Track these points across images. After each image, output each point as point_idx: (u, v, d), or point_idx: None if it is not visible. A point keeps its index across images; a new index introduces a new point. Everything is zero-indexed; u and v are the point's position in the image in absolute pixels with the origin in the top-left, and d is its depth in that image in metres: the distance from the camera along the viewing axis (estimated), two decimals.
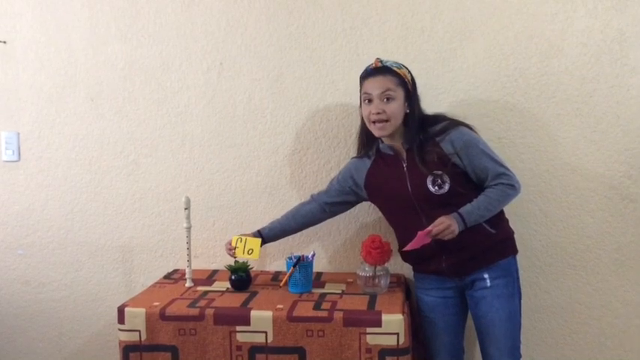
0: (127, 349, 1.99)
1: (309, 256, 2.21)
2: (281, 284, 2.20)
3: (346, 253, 2.47)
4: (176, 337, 1.97)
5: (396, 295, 2.11)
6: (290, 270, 2.16)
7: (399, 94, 2.00)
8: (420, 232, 1.93)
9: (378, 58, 2.05)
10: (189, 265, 2.27)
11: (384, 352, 1.91)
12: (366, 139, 2.15)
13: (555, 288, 2.40)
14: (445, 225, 1.92)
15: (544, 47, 2.29)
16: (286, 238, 2.37)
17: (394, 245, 2.16)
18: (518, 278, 2.11)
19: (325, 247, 2.48)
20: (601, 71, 2.28)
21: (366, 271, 2.14)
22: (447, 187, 1.99)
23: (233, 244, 2.22)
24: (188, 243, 2.26)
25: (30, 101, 2.55)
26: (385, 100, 1.99)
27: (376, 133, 2.04)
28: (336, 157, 2.44)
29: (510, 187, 1.99)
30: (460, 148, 1.98)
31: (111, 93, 2.51)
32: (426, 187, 2.00)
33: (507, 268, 2.07)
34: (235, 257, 2.22)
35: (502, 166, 2.00)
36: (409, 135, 2.03)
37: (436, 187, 1.99)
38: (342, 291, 2.18)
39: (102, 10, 2.47)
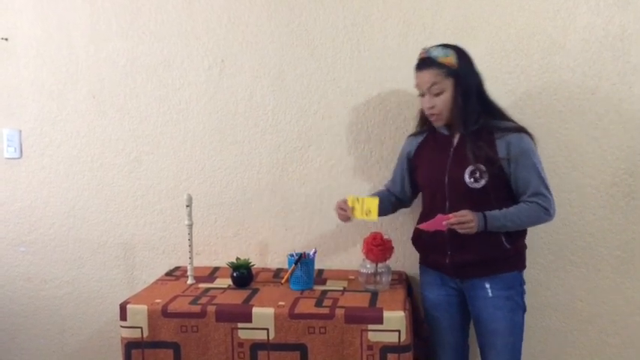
0: (129, 346, 2.00)
1: (311, 254, 2.21)
2: (282, 281, 2.20)
3: (347, 250, 2.47)
4: (178, 334, 1.98)
5: (397, 292, 2.11)
6: (292, 267, 2.16)
7: (447, 85, 1.95)
8: (439, 215, 1.91)
9: (423, 48, 2.00)
10: (191, 263, 2.28)
11: (385, 349, 1.91)
12: (426, 118, 2.11)
13: (556, 285, 2.40)
14: (467, 218, 1.89)
15: (546, 44, 2.29)
16: (287, 235, 2.42)
17: (396, 241, 2.16)
18: (522, 292, 2.07)
19: (327, 244, 2.48)
20: (603, 68, 2.27)
21: (367, 268, 2.14)
22: (482, 182, 1.94)
23: (350, 204, 2.08)
24: (190, 240, 2.26)
25: (31, 98, 2.55)
26: (434, 94, 1.96)
27: (434, 124, 2.06)
28: (338, 154, 2.44)
29: (545, 210, 1.95)
30: (514, 154, 1.93)
31: (112, 90, 2.51)
32: (462, 175, 1.96)
33: (510, 282, 2.04)
34: (350, 218, 2.10)
35: (545, 187, 1.95)
36: (464, 120, 1.98)
37: (472, 180, 1.95)
38: (344, 288, 2.18)
39: (103, 7, 2.47)
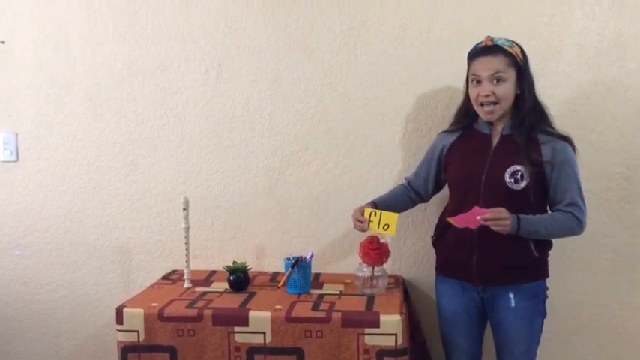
0: (126, 350, 2.00)
1: (308, 257, 2.21)
2: (279, 285, 2.20)
3: (344, 253, 2.47)
4: (174, 338, 1.98)
5: (394, 296, 2.12)
6: (288, 271, 2.16)
7: (510, 75, 1.91)
8: (476, 209, 1.85)
9: (488, 37, 1.94)
10: (188, 266, 2.27)
11: (382, 352, 1.91)
12: (464, 117, 2.08)
13: (552, 289, 2.38)
14: (503, 215, 1.84)
15: (541, 49, 2.30)
16: (284, 238, 2.43)
17: (392, 245, 2.17)
18: (545, 299, 2.06)
19: (323, 247, 2.48)
20: (598, 73, 2.29)
21: (364, 271, 2.14)
22: (522, 184, 1.90)
23: (366, 217, 2.02)
24: (186, 244, 2.26)
25: (28, 102, 2.55)
26: (495, 81, 1.91)
27: (484, 116, 1.97)
28: (335, 157, 2.44)
29: (578, 221, 1.93)
30: (559, 160, 1.90)
31: (109, 94, 2.51)
32: (502, 175, 1.91)
33: (534, 291, 2.02)
34: (366, 231, 2.04)
35: (582, 199, 1.93)
36: (517, 119, 1.95)
37: (512, 180, 1.91)
38: (341, 292, 2.18)
39: (100, 11, 2.47)
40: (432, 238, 2.20)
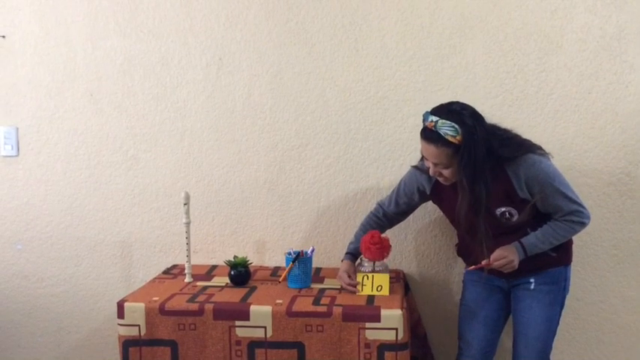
0: (127, 344, 2.00)
1: (309, 252, 2.21)
2: (280, 280, 2.20)
3: (345, 248, 2.46)
4: (175, 332, 1.98)
5: (394, 291, 2.11)
6: (289, 265, 2.16)
7: (454, 161, 1.86)
8: (480, 265, 1.97)
9: (432, 120, 1.85)
10: (189, 261, 2.28)
11: (383, 347, 1.91)
12: None
13: None
14: (507, 260, 1.92)
15: (543, 44, 2.30)
16: (285, 233, 2.44)
17: (393, 241, 2.17)
18: (565, 287, 2.08)
19: (324, 242, 2.48)
20: (600, 68, 2.28)
21: (365, 266, 2.14)
22: (515, 218, 1.95)
23: (359, 280, 2.10)
24: (187, 238, 2.26)
25: (29, 96, 2.54)
26: (441, 168, 1.91)
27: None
28: (336, 152, 2.44)
29: (580, 224, 1.96)
30: (534, 187, 1.90)
31: (110, 88, 2.51)
32: (494, 215, 1.95)
33: (556, 277, 2.05)
34: (358, 293, 2.09)
35: (575, 202, 1.94)
36: (473, 181, 1.88)
37: (503, 219, 1.96)
38: (341, 286, 2.18)
39: (101, 5, 2.47)
40: (456, 246, 2.25)
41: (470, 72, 2.34)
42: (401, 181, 2.19)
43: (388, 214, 2.23)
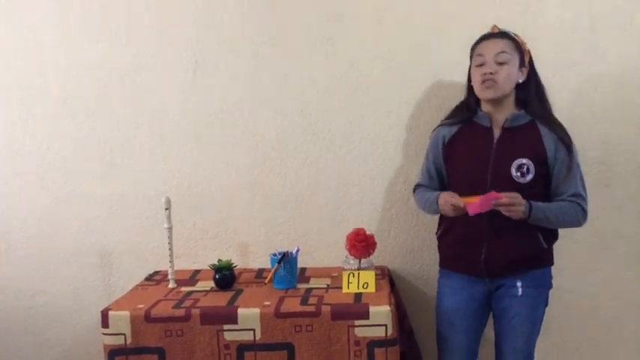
0: (113, 353, 1.96)
1: (294, 252, 2.21)
2: (266, 281, 2.19)
3: (329, 247, 2.46)
4: (162, 339, 1.95)
5: (381, 287, 2.12)
6: (275, 266, 2.15)
7: (514, 59, 1.93)
8: (493, 192, 1.83)
9: (495, 25, 2.00)
10: (172, 266, 2.25)
11: (372, 343, 1.92)
12: (465, 109, 2.07)
13: None
14: (518, 201, 1.84)
15: None
16: (268, 234, 2.43)
17: (378, 237, 2.17)
18: (549, 289, 2.08)
19: (308, 242, 2.47)
20: (573, 60, 2.33)
21: (350, 264, 2.15)
22: (529, 177, 1.91)
23: (345, 279, 2.10)
24: (170, 244, 2.23)
25: (0, 103, 2.48)
26: (499, 63, 1.92)
27: (482, 94, 1.96)
28: (317, 151, 2.44)
29: (582, 211, 1.95)
30: (562, 152, 1.93)
31: (84, 94, 2.45)
32: (508, 169, 1.92)
33: (541, 279, 2.04)
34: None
35: (584, 190, 1.96)
36: (519, 110, 1.97)
37: (518, 174, 1.92)
38: (328, 285, 2.18)
39: (72, 11, 2.41)
40: (437, 233, 2.17)
41: (446, 68, 2.35)
42: (427, 151, 2.17)
43: (430, 189, 2.15)
